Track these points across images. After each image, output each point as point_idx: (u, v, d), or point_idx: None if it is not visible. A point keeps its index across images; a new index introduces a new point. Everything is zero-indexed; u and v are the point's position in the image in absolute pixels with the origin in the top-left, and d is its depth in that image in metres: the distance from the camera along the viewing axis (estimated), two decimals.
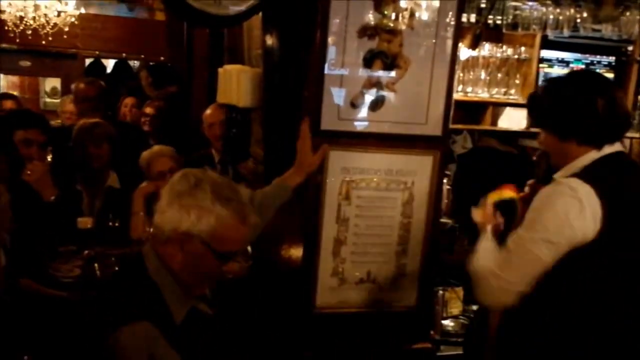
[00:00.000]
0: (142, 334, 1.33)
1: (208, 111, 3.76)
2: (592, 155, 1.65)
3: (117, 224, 2.60)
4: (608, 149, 1.65)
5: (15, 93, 6.62)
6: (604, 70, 2.94)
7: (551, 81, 1.81)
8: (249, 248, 2.39)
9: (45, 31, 6.09)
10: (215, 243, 1.40)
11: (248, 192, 1.90)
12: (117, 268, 2.30)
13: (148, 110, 4.61)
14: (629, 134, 3.05)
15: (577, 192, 1.55)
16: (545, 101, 1.74)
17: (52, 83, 7.62)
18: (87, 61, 7.32)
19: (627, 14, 2.22)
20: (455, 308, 2.56)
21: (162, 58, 6.62)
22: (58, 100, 6.84)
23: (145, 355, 1.32)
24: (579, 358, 1.64)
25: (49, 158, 3.70)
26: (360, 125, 2.04)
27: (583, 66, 2.87)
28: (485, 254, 1.72)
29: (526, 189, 1.89)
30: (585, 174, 1.61)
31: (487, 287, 1.66)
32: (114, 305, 1.39)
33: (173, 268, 1.43)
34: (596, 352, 1.62)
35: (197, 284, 1.47)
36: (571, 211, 1.55)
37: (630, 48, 2.89)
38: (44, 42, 6.25)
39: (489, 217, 1.89)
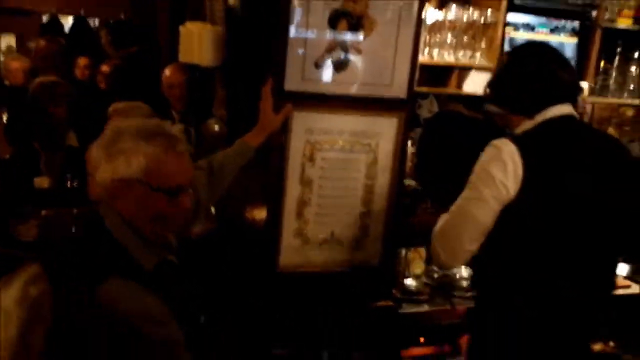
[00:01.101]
0: (120, 287, 1.32)
1: (167, 72, 3.65)
2: (528, 122, 1.73)
3: (75, 184, 2.54)
4: (550, 114, 1.70)
5: None
6: (568, 35, 2.96)
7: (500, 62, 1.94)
8: (213, 209, 2.38)
9: None
10: (153, 180, 1.39)
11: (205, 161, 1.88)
12: (72, 228, 2.26)
13: (104, 68, 4.49)
14: (590, 99, 3.12)
15: (502, 151, 1.65)
16: (490, 81, 1.84)
17: (7, 41, 7.31)
18: (44, 19, 7.03)
19: None
20: (418, 268, 2.60)
21: (123, 16, 6.40)
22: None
23: (133, 304, 1.32)
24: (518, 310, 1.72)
25: (4, 117, 3.59)
26: (324, 87, 2.02)
27: (547, 31, 2.89)
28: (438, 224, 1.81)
29: None
30: (516, 137, 1.71)
31: (437, 247, 1.76)
32: (81, 266, 1.37)
33: (130, 220, 1.42)
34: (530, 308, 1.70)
35: (157, 229, 1.45)
36: (495, 168, 1.64)
37: (594, 13, 2.92)
38: None
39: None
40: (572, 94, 1.77)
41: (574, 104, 1.77)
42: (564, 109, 1.71)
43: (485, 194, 1.65)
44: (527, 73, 1.72)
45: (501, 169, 1.63)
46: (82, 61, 4.83)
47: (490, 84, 1.83)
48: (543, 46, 1.85)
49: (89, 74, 4.70)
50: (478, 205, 1.66)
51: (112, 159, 1.40)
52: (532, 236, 1.67)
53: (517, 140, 1.66)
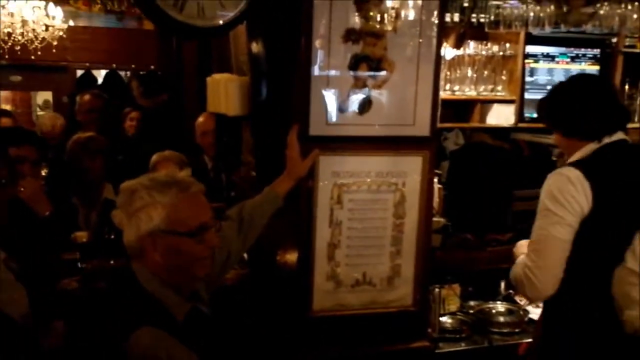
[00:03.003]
0: (151, 337, 1.36)
1: (200, 119, 3.79)
2: (592, 146, 1.89)
3: (112, 236, 2.61)
4: (607, 140, 1.89)
5: (7, 107, 6.63)
6: (589, 63, 2.96)
7: (554, 87, 2.05)
8: (245, 255, 2.41)
9: (34, 46, 6.10)
10: (176, 226, 1.45)
11: (236, 207, 1.94)
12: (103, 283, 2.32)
13: (134, 114, 4.65)
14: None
15: (569, 176, 1.82)
16: (549, 106, 2.01)
17: (44, 96, 7.63)
18: (78, 73, 7.33)
19: (606, 8, 2.24)
20: (453, 304, 2.58)
21: (152, 67, 6.64)
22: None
23: (163, 354, 1.36)
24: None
25: (43, 173, 3.73)
26: (348, 129, 2.06)
27: (568, 60, 2.90)
28: (518, 262, 1.96)
29: None
30: (578, 163, 1.87)
31: (528, 282, 1.87)
32: (116, 317, 1.41)
33: (161, 274, 1.46)
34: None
35: (189, 277, 1.50)
36: (565, 189, 1.81)
37: (614, 40, 2.92)
38: (33, 57, 6.26)
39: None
40: (627, 121, 1.97)
41: (626, 130, 1.96)
42: (621, 134, 1.91)
43: (563, 215, 1.80)
44: (597, 100, 1.90)
45: (573, 191, 1.80)
46: (135, 115, 4.84)
47: (550, 114, 1.99)
48: (599, 77, 2.06)
49: (139, 127, 4.75)
50: (560, 228, 1.81)
51: (132, 218, 1.46)
52: (606, 246, 1.83)
53: (578, 166, 1.83)
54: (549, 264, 1.83)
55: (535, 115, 2.81)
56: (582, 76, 2.08)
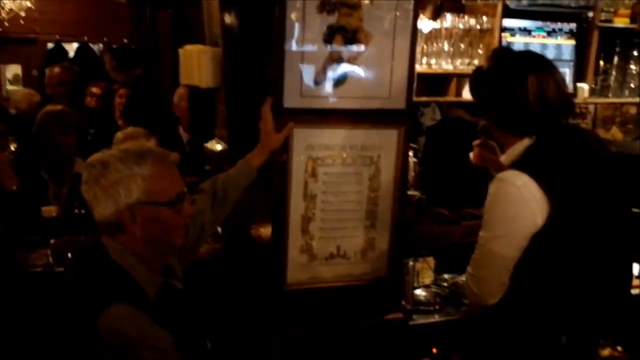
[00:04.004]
0: (122, 315, 1.34)
1: (180, 90, 3.76)
2: (525, 142, 1.66)
3: (83, 211, 2.56)
4: (549, 129, 1.64)
5: None
6: (565, 37, 2.97)
7: (477, 72, 1.78)
8: (219, 229, 2.39)
9: (1, 17, 5.90)
10: (155, 197, 1.43)
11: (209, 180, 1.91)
12: (70, 258, 2.28)
13: (95, 89, 4.59)
14: (591, 100, 3.11)
15: (516, 185, 1.58)
16: (475, 92, 1.76)
17: (14, 70, 7.42)
18: (49, 46, 7.14)
19: None
20: (427, 277, 2.60)
21: (125, 40, 6.48)
22: (20, 88, 6.68)
23: (134, 332, 1.33)
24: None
25: (13, 147, 3.63)
26: (323, 102, 2.03)
27: (545, 34, 2.90)
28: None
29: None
30: (522, 162, 1.62)
31: (468, 289, 1.73)
32: (87, 293, 1.39)
33: (136, 247, 1.44)
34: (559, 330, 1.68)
35: (166, 248, 1.49)
36: (514, 203, 1.58)
37: (590, 14, 2.92)
38: (0, 29, 6.07)
39: (477, 154, 2.02)
40: (570, 111, 1.73)
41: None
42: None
43: (506, 233, 1.61)
44: (535, 92, 1.60)
45: (522, 205, 1.56)
46: (96, 90, 4.76)
47: (481, 105, 1.74)
48: (538, 56, 1.74)
49: (102, 102, 4.66)
50: (501, 243, 1.62)
51: (109, 191, 1.41)
52: (565, 252, 1.62)
53: (525, 168, 1.58)
54: (487, 278, 1.66)
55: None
56: (522, 53, 1.79)
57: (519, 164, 1.62)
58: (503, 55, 1.78)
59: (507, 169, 1.68)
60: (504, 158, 1.74)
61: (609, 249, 1.69)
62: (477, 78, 1.77)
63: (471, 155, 2.07)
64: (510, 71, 1.66)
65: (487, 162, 2.02)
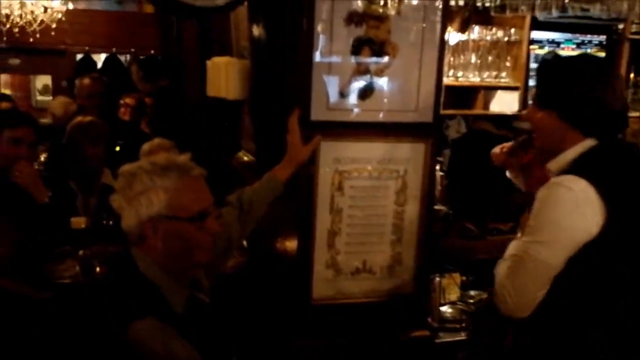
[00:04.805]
0: (149, 329, 1.34)
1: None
2: (587, 143, 1.59)
3: (111, 222, 2.59)
4: (607, 138, 1.60)
5: (6, 92, 6.59)
6: (595, 50, 2.93)
7: (561, 61, 1.71)
8: (245, 243, 2.39)
9: (32, 28, 6.03)
10: (178, 211, 1.42)
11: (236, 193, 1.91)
12: (98, 269, 2.29)
13: (128, 100, 4.60)
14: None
15: (573, 191, 1.51)
16: (551, 74, 1.65)
17: (43, 80, 7.57)
18: (77, 57, 7.27)
19: None
20: (453, 294, 2.56)
21: (152, 51, 6.58)
22: (50, 98, 6.81)
23: (160, 347, 1.33)
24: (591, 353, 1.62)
25: (43, 157, 3.69)
26: (350, 115, 2.03)
27: (574, 46, 2.86)
28: (500, 265, 1.67)
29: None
30: (579, 168, 1.56)
31: (501, 298, 1.62)
32: (115, 306, 1.39)
33: (161, 260, 1.44)
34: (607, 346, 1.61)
35: (190, 264, 1.47)
36: (569, 211, 1.51)
37: (620, 26, 2.87)
38: (31, 40, 6.20)
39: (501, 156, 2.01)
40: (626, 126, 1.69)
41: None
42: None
43: (555, 239, 1.53)
44: (614, 91, 1.56)
45: (577, 212, 1.50)
46: (129, 101, 4.72)
47: (549, 85, 1.64)
48: (610, 63, 1.74)
49: (135, 113, 4.67)
50: (549, 251, 1.54)
51: (132, 202, 1.42)
52: (615, 269, 1.56)
53: (583, 174, 1.52)
54: (525, 287, 1.57)
55: (540, 99, 2.75)
56: (592, 57, 1.81)
57: (576, 169, 1.55)
58: (583, 57, 1.79)
59: (551, 175, 1.62)
60: (552, 163, 1.65)
61: None
62: (556, 68, 1.67)
63: (494, 151, 2.03)
64: (598, 69, 1.61)
65: (507, 165, 1.99)
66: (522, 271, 1.58)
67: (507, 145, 2.00)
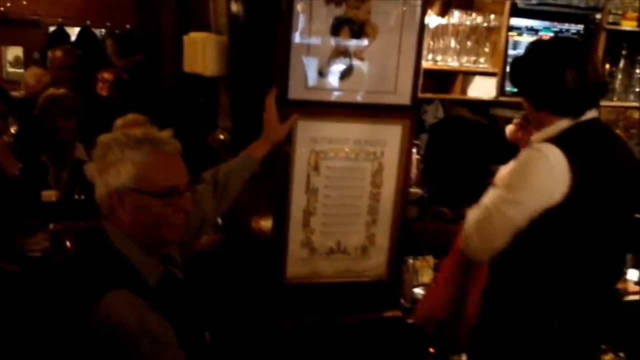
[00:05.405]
0: (121, 301, 1.32)
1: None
2: (565, 122, 1.73)
3: (82, 197, 2.55)
4: (588, 115, 1.73)
5: None
6: None
7: (527, 50, 1.85)
8: (219, 220, 2.38)
9: None
10: (144, 185, 1.41)
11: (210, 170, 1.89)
12: (68, 243, 2.27)
13: (106, 75, 4.51)
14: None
15: (547, 156, 1.65)
16: (520, 71, 1.82)
17: (15, 52, 7.36)
18: (50, 29, 7.08)
19: None
20: (426, 276, 2.59)
21: (128, 26, 6.44)
22: (21, 70, 6.62)
23: (132, 318, 1.32)
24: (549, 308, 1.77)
25: (13, 130, 3.61)
26: (328, 95, 2.02)
27: (552, 34, 2.88)
28: (470, 215, 1.83)
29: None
30: (557, 140, 1.69)
31: (466, 243, 1.81)
32: (87, 277, 1.38)
33: (131, 233, 1.42)
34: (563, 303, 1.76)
35: (158, 240, 1.46)
36: (543, 175, 1.66)
37: (598, 16, 2.90)
38: (2, 9, 6.01)
39: (513, 131, 2.07)
40: (602, 96, 1.81)
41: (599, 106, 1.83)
42: (594, 111, 1.76)
43: (525, 199, 1.68)
44: (577, 74, 1.68)
45: (548, 175, 1.64)
46: (107, 75, 4.61)
47: (521, 79, 1.81)
48: (581, 42, 1.84)
49: (114, 88, 4.57)
50: (517, 209, 1.69)
51: (103, 173, 1.42)
52: (573, 236, 1.71)
53: (561, 144, 1.66)
54: (492, 236, 1.73)
55: (516, 90, 2.79)
56: (563, 39, 1.93)
57: (553, 140, 1.69)
58: (542, 45, 1.88)
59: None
60: (535, 136, 1.79)
61: (612, 241, 1.78)
62: (519, 66, 1.84)
63: (507, 129, 2.12)
64: (551, 60, 1.73)
65: (520, 141, 2.07)
66: (489, 224, 1.74)
67: (516, 120, 2.09)
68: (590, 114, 1.74)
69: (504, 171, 1.92)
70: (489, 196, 1.76)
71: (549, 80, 1.71)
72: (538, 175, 1.66)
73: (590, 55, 1.81)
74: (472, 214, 1.79)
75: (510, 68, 1.88)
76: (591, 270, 1.76)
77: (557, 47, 1.80)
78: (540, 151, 1.67)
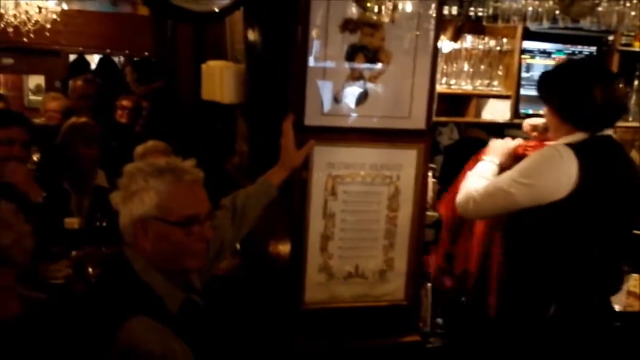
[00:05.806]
0: (144, 328, 1.35)
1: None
2: (583, 135, 1.90)
3: (104, 224, 2.59)
4: (598, 133, 1.91)
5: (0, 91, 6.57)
6: None
7: (559, 66, 2.07)
8: (237, 246, 2.40)
9: (27, 28, 6.02)
10: (166, 214, 1.44)
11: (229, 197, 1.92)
12: (91, 270, 2.29)
13: (125, 103, 4.59)
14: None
15: (562, 153, 1.84)
16: (551, 85, 1.98)
17: (36, 80, 7.55)
18: (71, 58, 7.26)
19: (604, 4, 2.24)
20: None
21: (146, 53, 6.58)
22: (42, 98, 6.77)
23: (156, 345, 1.34)
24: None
25: (36, 157, 3.68)
26: (344, 120, 2.04)
27: (564, 57, 2.90)
28: (477, 179, 2.07)
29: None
30: (572, 145, 1.88)
31: (462, 207, 2.06)
32: (109, 305, 1.40)
33: (154, 262, 1.45)
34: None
35: (178, 267, 1.48)
36: (552, 166, 1.84)
37: (610, 38, 2.91)
38: (25, 40, 6.18)
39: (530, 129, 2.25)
40: (620, 117, 2.00)
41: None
42: (610, 130, 1.94)
43: (534, 183, 1.84)
44: (604, 93, 1.86)
45: (558, 169, 1.82)
46: (126, 104, 4.65)
47: (550, 93, 1.96)
48: (606, 66, 2.12)
49: (132, 115, 4.63)
50: (523, 191, 1.86)
51: (127, 201, 1.46)
52: (572, 230, 1.87)
53: (575, 148, 1.84)
54: (488, 208, 1.97)
55: (530, 112, 2.81)
56: (591, 59, 2.11)
57: (569, 145, 1.86)
58: (574, 63, 2.13)
59: None
60: (553, 143, 1.95)
61: (607, 242, 1.94)
62: (550, 80, 2.00)
63: (526, 122, 2.27)
64: (580, 78, 1.91)
65: (531, 137, 2.25)
66: (493, 197, 1.95)
67: (538, 124, 2.22)
68: (606, 132, 1.92)
69: (496, 144, 2.17)
70: (502, 176, 1.95)
71: (579, 95, 1.87)
72: (550, 167, 1.83)
73: (615, 75, 2.04)
74: (479, 183, 2.01)
75: (540, 81, 2.02)
76: (585, 266, 1.91)
77: (587, 65, 2.02)
78: (556, 149, 1.86)
